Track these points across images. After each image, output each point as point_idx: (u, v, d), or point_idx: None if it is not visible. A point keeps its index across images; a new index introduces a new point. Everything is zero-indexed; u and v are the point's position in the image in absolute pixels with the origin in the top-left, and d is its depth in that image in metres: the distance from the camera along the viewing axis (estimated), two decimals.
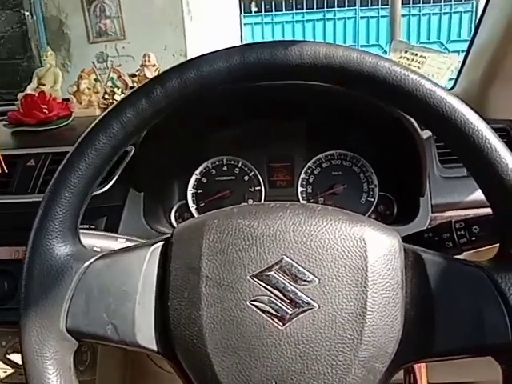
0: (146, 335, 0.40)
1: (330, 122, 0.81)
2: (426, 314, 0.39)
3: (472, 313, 0.38)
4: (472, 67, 0.88)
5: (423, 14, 6.53)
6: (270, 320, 0.37)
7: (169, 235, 0.42)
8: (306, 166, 0.83)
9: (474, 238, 0.50)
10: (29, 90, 1.00)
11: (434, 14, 6.51)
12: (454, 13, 6.45)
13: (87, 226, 0.69)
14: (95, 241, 0.51)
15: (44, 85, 1.00)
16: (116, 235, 0.53)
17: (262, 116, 0.79)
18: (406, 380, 0.69)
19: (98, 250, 0.50)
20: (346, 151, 0.82)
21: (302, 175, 0.83)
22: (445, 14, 6.48)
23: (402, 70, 0.39)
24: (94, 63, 1.03)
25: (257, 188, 0.83)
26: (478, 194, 0.72)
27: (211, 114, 0.75)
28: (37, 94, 0.88)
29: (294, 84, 0.69)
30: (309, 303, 0.37)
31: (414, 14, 6.52)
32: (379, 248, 0.39)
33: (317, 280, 0.38)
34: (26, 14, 3.46)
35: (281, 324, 0.37)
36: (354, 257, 0.38)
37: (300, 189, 0.83)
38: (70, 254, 0.41)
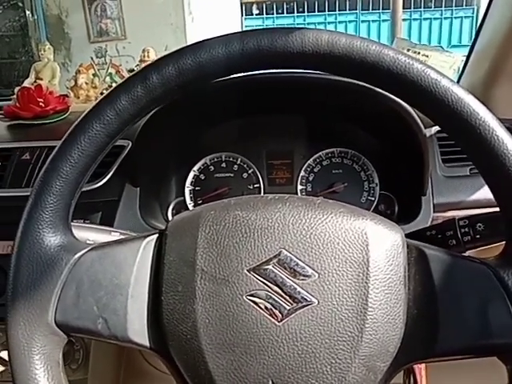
0: (138, 330, 0.38)
1: (330, 119, 0.80)
2: (430, 312, 0.37)
3: (477, 311, 0.37)
4: (475, 66, 0.87)
5: (424, 19, 6.54)
6: (267, 315, 0.36)
7: (163, 228, 0.40)
8: (306, 164, 0.82)
9: (478, 236, 0.48)
10: (26, 84, 0.98)
11: (434, 18, 6.52)
12: (455, 18, 6.47)
13: (82, 221, 0.68)
14: (88, 234, 0.49)
15: (41, 79, 0.99)
16: (110, 229, 0.52)
17: (261, 111, 0.77)
18: (405, 383, 0.68)
19: (92, 243, 0.49)
20: (347, 149, 0.81)
21: (302, 173, 0.82)
22: (446, 18, 6.50)
23: (406, 59, 0.37)
24: (92, 58, 1.02)
25: (256, 185, 0.82)
26: (481, 194, 0.72)
27: (210, 107, 0.74)
28: (33, 87, 0.86)
29: (294, 78, 0.68)
30: (308, 299, 0.36)
31: (415, 19, 6.54)
32: (381, 243, 0.37)
33: (316, 275, 0.36)
34: (27, 12, 3.45)
35: (278, 320, 0.36)
36: (355, 251, 0.37)
37: (299, 187, 0.82)
38: (61, 244, 0.39)
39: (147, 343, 0.39)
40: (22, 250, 0.38)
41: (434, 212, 0.71)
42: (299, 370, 0.35)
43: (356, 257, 0.36)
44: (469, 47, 0.91)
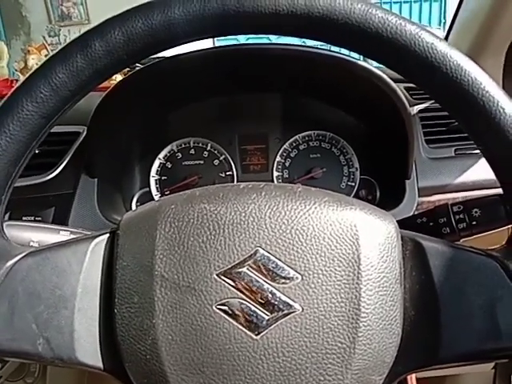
0: (88, 350, 0.32)
1: (306, 98, 0.74)
2: (430, 314, 0.32)
3: (484, 311, 0.32)
4: (455, 42, 0.83)
5: (394, 2, 6.54)
6: (242, 328, 0.30)
7: (115, 226, 0.34)
8: (282, 149, 0.76)
9: (474, 223, 0.44)
10: None
11: (404, 2, 6.53)
12: (424, 1, 6.50)
13: (32, 218, 0.60)
14: (31, 234, 0.42)
15: None
16: (58, 227, 0.45)
17: (232, 89, 0.71)
18: None
19: (36, 245, 0.42)
20: (325, 131, 0.75)
21: (278, 158, 0.76)
22: (415, 1, 6.52)
23: (397, 20, 0.32)
24: (44, 38, 0.93)
25: (228, 173, 0.76)
26: (468, 176, 0.68)
27: (175, 87, 0.67)
28: None
29: (268, 49, 0.61)
30: (290, 305, 0.30)
31: (385, 2, 6.53)
32: (374, 236, 0.32)
33: (299, 276, 0.31)
34: None
35: (256, 333, 0.30)
36: (343, 247, 0.31)
37: (275, 173, 0.76)
38: None
39: (100, 364, 0.32)
40: None
41: (418, 196, 0.67)
42: None
43: (345, 253, 0.31)
44: (439, 30, 0.87)
